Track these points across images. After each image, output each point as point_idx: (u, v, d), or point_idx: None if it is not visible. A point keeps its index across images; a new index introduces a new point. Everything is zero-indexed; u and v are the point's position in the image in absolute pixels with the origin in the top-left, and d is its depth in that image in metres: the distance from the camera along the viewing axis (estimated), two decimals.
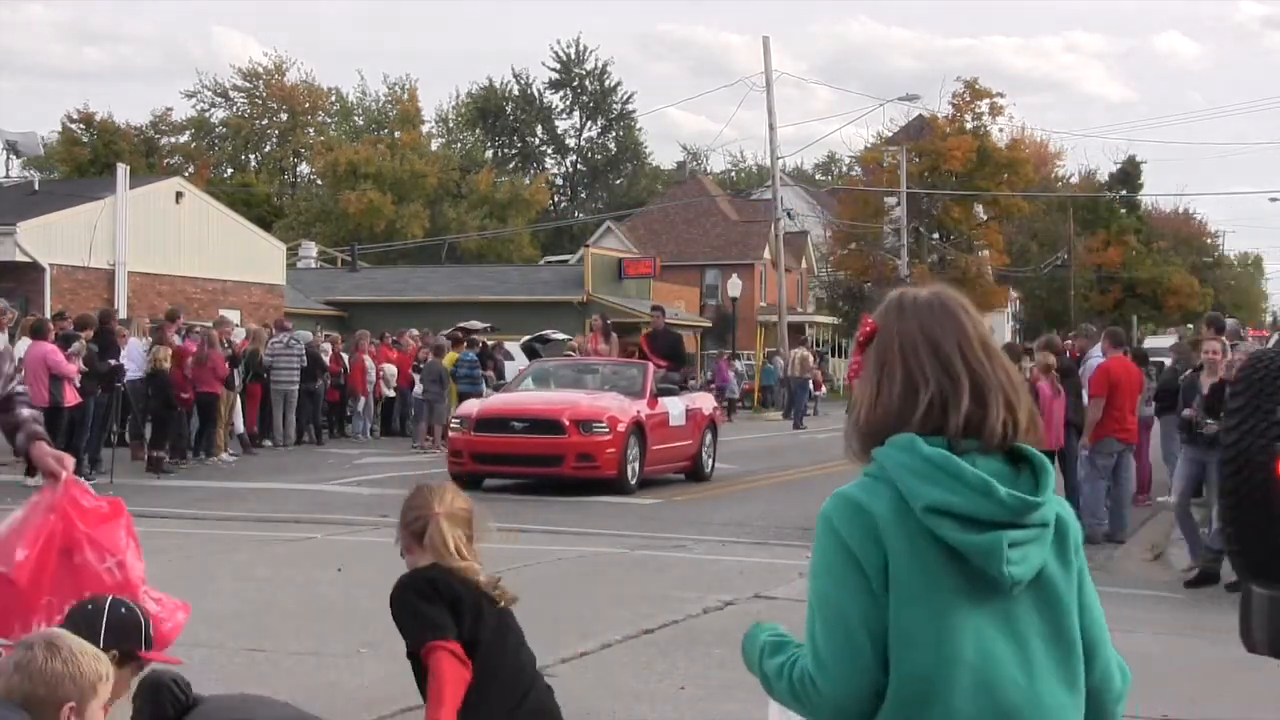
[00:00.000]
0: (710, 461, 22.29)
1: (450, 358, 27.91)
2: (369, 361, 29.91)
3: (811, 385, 49.63)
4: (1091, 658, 2.93)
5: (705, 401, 23.04)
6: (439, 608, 4.58)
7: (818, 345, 67.88)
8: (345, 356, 29.85)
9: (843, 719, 2.79)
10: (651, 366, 21.56)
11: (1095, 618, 2.96)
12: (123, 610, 4.80)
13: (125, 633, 4.72)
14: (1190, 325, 68.25)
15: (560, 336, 37.45)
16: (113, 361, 20.99)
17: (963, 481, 2.76)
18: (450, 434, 20.57)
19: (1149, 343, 41.19)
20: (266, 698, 4.82)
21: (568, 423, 19.26)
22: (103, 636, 4.60)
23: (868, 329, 2.98)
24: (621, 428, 19.43)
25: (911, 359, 2.88)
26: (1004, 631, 2.79)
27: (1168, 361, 22.81)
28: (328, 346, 30.12)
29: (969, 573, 2.77)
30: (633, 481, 19.61)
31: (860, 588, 2.78)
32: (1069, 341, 20.08)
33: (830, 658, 2.79)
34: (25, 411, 5.59)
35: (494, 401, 20.91)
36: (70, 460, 5.26)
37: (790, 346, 51.68)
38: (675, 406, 21.10)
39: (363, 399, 29.92)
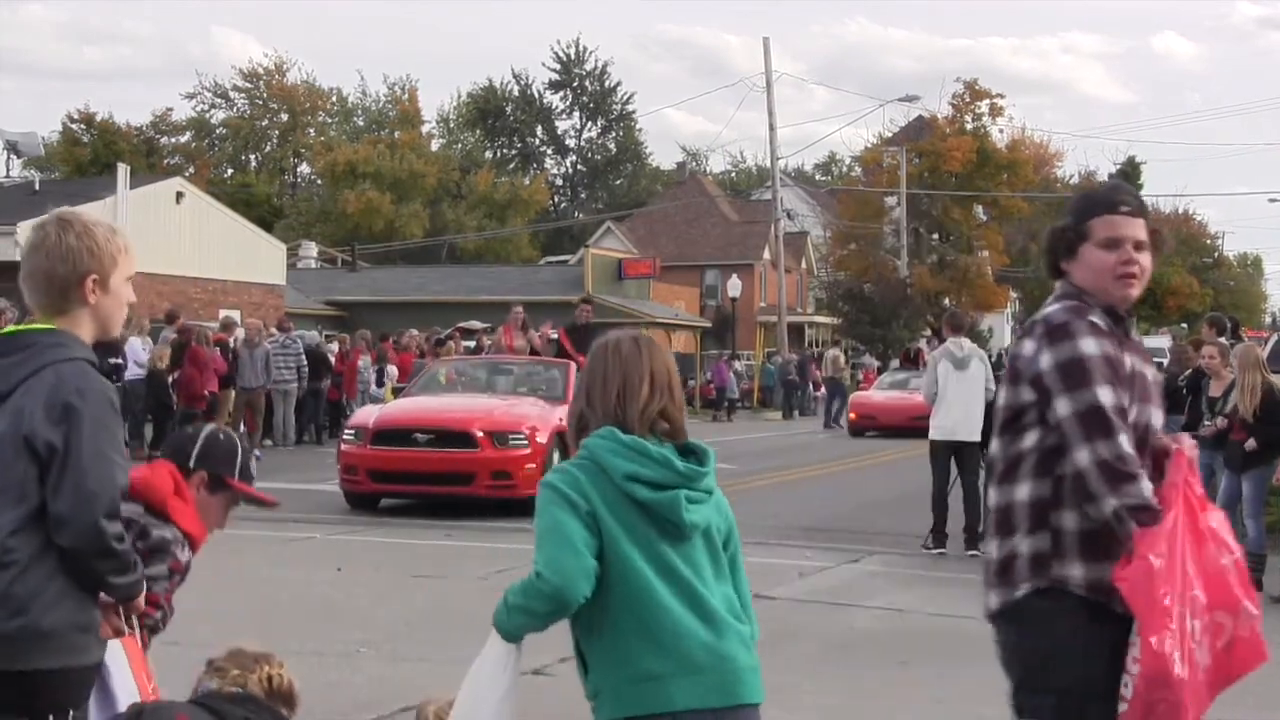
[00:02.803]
0: None
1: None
2: (366, 361, 29.89)
3: (811, 385, 49.68)
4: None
5: None
6: None
7: (817, 346, 67.87)
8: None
9: (560, 602, 3.79)
10: (574, 367, 18.70)
11: (742, 580, 4.09)
12: (220, 436, 4.85)
13: (217, 457, 4.77)
14: (1184, 325, 68.20)
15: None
16: (112, 360, 21.00)
17: (650, 457, 3.91)
18: (343, 447, 17.67)
19: (1144, 342, 40.80)
20: None
21: (480, 434, 16.76)
22: (193, 457, 4.71)
23: (581, 361, 4.20)
24: (542, 439, 16.93)
25: (612, 383, 4.04)
26: (686, 562, 3.91)
27: (1164, 362, 22.84)
28: (334, 346, 30.13)
29: (658, 521, 3.88)
30: None
31: (578, 519, 3.84)
32: None
33: (556, 558, 3.79)
34: None
35: (394, 409, 18.49)
36: (1188, 441, 4.35)
37: (825, 347, 51.76)
38: None
39: (365, 399, 29.90)
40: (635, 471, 3.87)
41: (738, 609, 3.98)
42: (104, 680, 4.08)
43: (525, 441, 16.84)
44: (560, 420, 17.38)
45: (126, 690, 4.27)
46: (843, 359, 48.60)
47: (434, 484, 17.01)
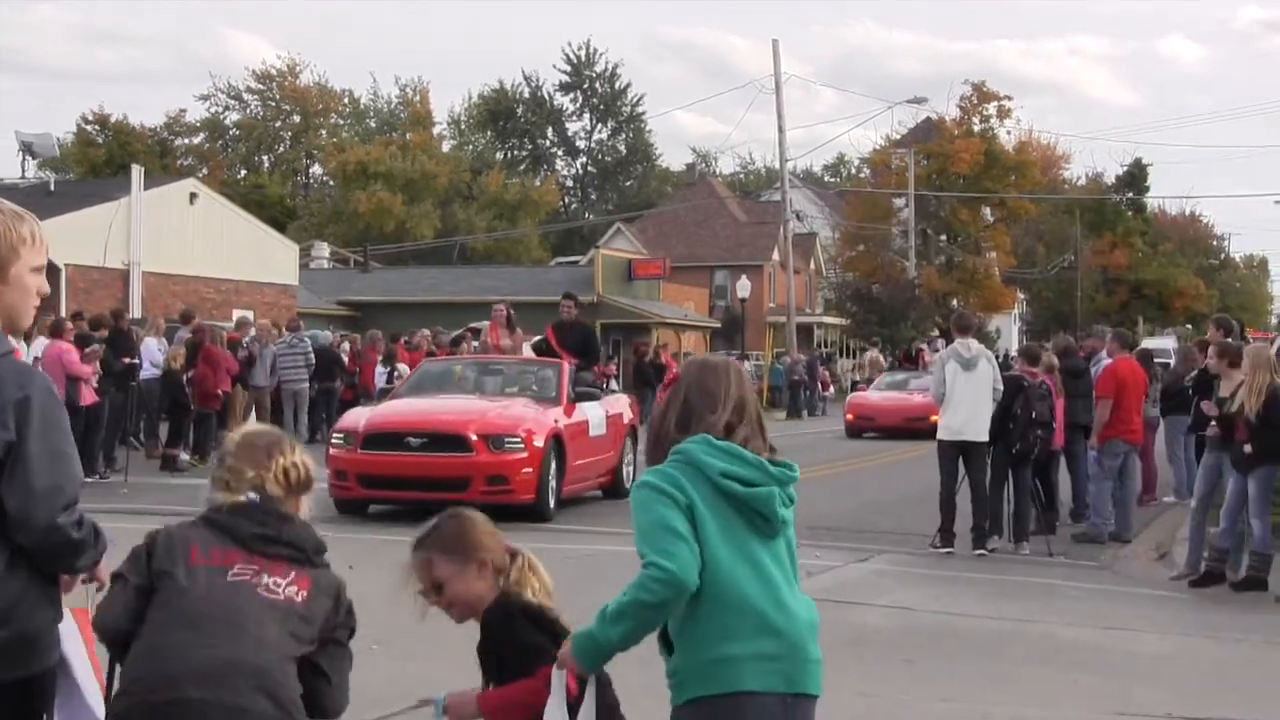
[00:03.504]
0: (631, 474, 18.73)
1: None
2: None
3: (820, 385, 49.62)
4: None
5: (623, 405, 19.84)
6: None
7: (825, 346, 67.82)
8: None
9: (677, 588, 3.90)
10: (567, 366, 18.11)
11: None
12: None
13: None
14: (1189, 325, 68.11)
15: None
16: (126, 360, 21.03)
17: (744, 460, 4.12)
18: (332, 451, 16.57)
19: (1145, 343, 40.49)
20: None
21: (474, 437, 15.95)
22: None
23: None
24: (538, 442, 16.22)
25: (694, 398, 4.25)
26: (773, 559, 4.12)
27: (1171, 363, 22.82)
28: (346, 346, 30.16)
29: (749, 517, 4.08)
30: (551, 505, 16.53)
31: (679, 511, 3.99)
32: (1088, 341, 20.07)
33: (667, 549, 3.92)
34: None
35: (385, 411, 17.14)
36: None
37: (798, 348, 51.66)
38: (594, 413, 18.10)
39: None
40: (731, 471, 4.07)
41: (813, 608, 4.18)
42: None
43: (521, 445, 16.10)
44: (555, 422, 16.99)
45: (79, 657, 4.05)
46: (883, 360, 48.40)
47: (427, 490, 15.49)
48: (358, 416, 17.24)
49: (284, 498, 4.12)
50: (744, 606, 4.00)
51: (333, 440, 16.90)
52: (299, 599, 3.91)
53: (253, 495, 4.04)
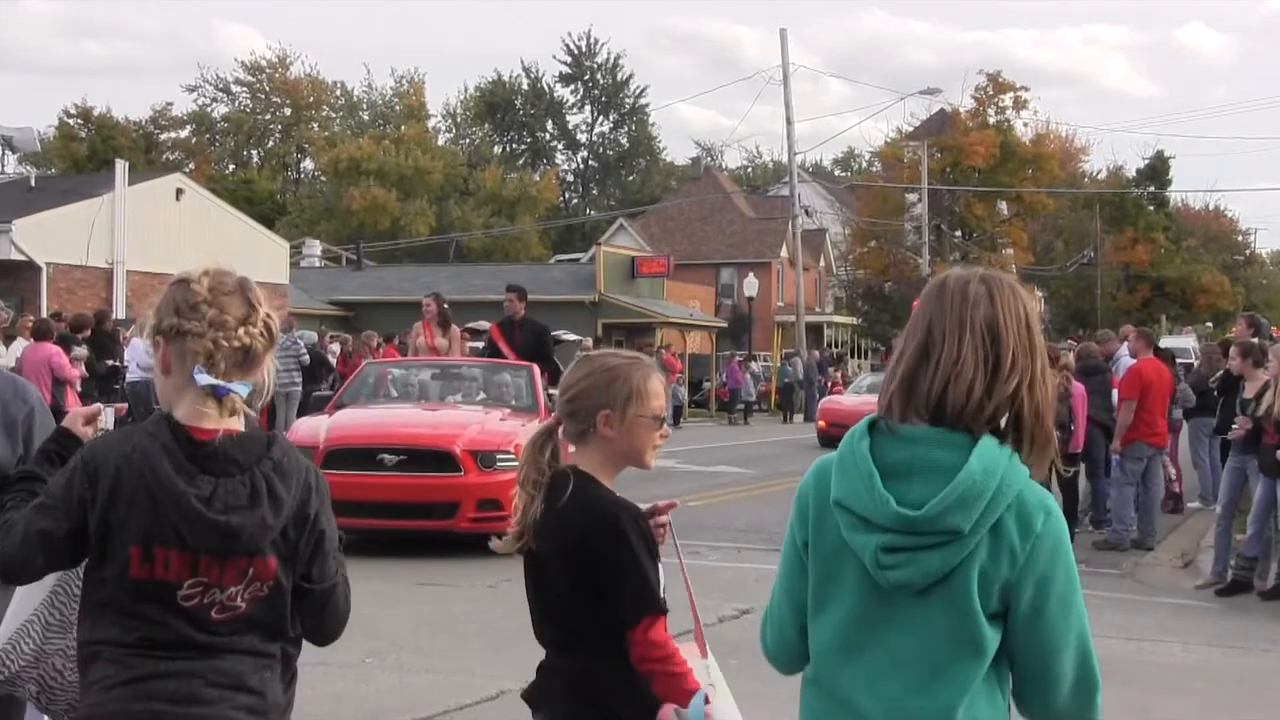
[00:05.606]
0: None
1: None
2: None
3: (830, 386, 49.68)
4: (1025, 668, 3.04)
5: None
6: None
7: (836, 346, 67.83)
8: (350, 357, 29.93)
9: (779, 668, 3.21)
10: (537, 370, 16.28)
11: (1039, 643, 2.97)
12: None
13: None
14: (1210, 324, 68.06)
15: (572, 337, 37.38)
16: (110, 363, 21.02)
17: (859, 477, 2.90)
18: None
19: (1163, 342, 40.06)
20: None
21: (460, 453, 13.96)
22: None
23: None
24: None
25: (911, 338, 3.01)
26: (899, 620, 2.91)
27: (1193, 364, 22.79)
28: (335, 347, 30.16)
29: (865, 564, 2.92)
30: None
31: (796, 560, 3.08)
32: (1106, 345, 20.14)
33: (767, 624, 3.20)
34: None
35: (348, 423, 14.83)
36: None
37: (808, 348, 51.62)
38: None
39: None
40: (841, 496, 2.96)
41: (965, 681, 2.96)
42: None
43: (515, 462, 14.80)
44: None
45: None
46: None
47: (405, 517, 13.96)
48: (315, 428, 14.84)
49: (261, 354, 3.57)
50: (827, 685, 3.03)
51: None
52: (264, 592, 3.42)
53: (245, 411, 3.43)
